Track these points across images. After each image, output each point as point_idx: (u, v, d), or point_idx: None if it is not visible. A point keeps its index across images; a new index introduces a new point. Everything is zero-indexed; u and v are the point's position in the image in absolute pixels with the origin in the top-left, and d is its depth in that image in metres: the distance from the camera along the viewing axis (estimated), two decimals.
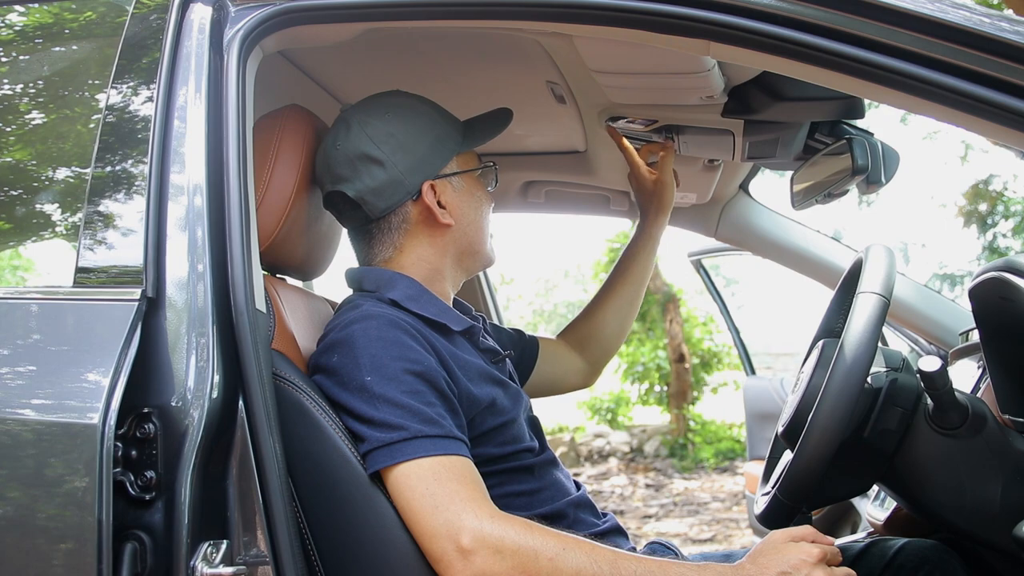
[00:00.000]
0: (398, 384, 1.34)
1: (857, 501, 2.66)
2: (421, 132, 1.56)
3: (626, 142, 2.02)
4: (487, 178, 1.67)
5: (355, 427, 1.33)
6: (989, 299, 1.44)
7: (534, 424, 1.62)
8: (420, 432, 1.31)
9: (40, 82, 1.39)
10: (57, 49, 1.43)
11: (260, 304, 1.24)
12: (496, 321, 3.04)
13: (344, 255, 1.75)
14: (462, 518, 1.25)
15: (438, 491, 1.27)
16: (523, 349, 1.93)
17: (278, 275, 1.59)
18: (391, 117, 1.55)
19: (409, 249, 1.57)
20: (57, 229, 1.30)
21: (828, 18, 1.16)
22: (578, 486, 1.63)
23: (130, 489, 1.07)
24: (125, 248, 1.21)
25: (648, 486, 9.03)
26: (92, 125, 1.30)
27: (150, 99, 1.28)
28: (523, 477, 1.51)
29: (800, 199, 2.02)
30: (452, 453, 1.32)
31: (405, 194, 1.54)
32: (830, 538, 1.33)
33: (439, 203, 1.55)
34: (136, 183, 1.24)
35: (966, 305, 1.69)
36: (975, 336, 2.03)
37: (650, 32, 1.27)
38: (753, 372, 4.67)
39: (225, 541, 1.11)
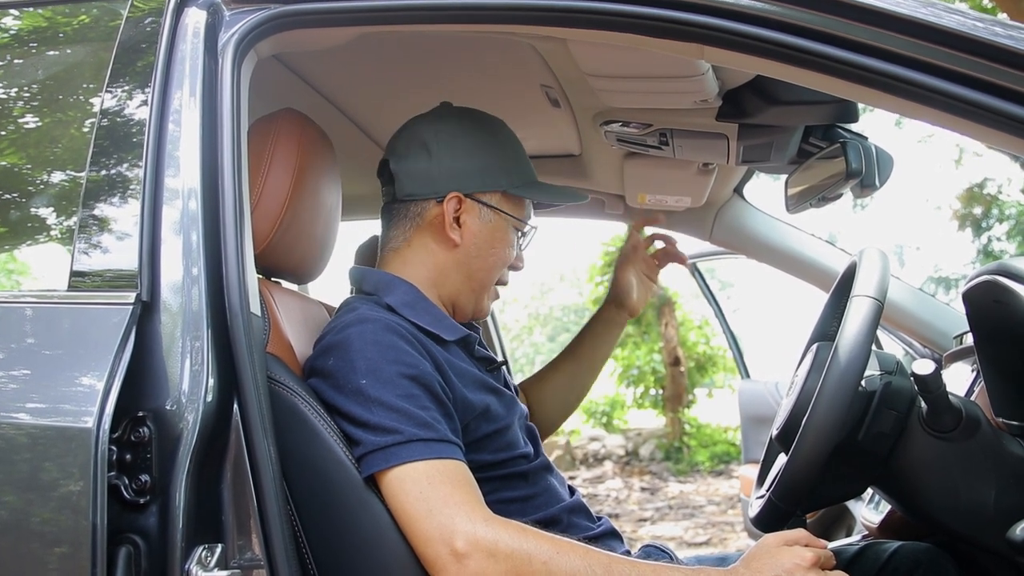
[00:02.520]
0: (393, 388, 1.34)
1: (851, 504, 2.67)
2: (481, 151, 1.58)
3: (636, 236, 2.03)
4: (521, 236, 1.66)
5: (350, 430, 1.33)
6: (983, 302, 1.44)
7: (531, 432, 1.62)
8: (415, 436, 1.31)
9: (34, 86, 1.39)
10: (51, 53, 1.43)
11: (255, 308, 1.24)
12: (492, 324, 3.04)
13: (340, 258, 1.75)
14: (456, 521, 1.25)
15: (432, 495, 1.27)
16: None
17: (273, 279, 1.59)
18: (466, 126, 1.60)
19: (416, 245, 1.59)
20: (52, 233, 1.30)
21: (822, 22, 1.17)
22: (572, 491, 1.63)
23: (125, 493, 1.07)
24: (120, 252, 1.20)
25: (643, 489, 9.04)
26: (86, 129, 1.29)
27: (145, 103, 1.28)
28: (517, 483, 1.51)
29: (794, 203, 2.02)
30: (447, 457, 1.32)
31: (432, 191, 1.56)
32: (823, 541, 1.33)
33: (458, 219, 1.56)
34: (131, 187, 1.23)
35: (960, 308, 1.69)
36: (969, 339, 2.03)
37: (644, 36, 1.27)
38: (748, 375, 4.67)
39: (220, 545, 1.10)
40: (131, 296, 1.15)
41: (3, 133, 1.36)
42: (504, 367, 1.68)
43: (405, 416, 1.32)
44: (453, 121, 1.60)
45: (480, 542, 1.23)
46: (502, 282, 1.67)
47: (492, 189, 1.58)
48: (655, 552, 1.60)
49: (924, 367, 1.32)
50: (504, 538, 1.24)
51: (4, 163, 1.34)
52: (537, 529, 1.29)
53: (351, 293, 1.62)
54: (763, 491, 1.64)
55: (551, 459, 1.62)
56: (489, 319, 3.05)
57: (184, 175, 1.23)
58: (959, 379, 1.93)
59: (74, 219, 1.24)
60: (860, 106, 1.77)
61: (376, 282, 1.55)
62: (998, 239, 11.58)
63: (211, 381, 1.12)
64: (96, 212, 1.24)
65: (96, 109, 1.30)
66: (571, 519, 1.54)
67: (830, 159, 1.81)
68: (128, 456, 1.08)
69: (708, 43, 1.24)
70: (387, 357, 1.36)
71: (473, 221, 1.57)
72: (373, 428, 1.31)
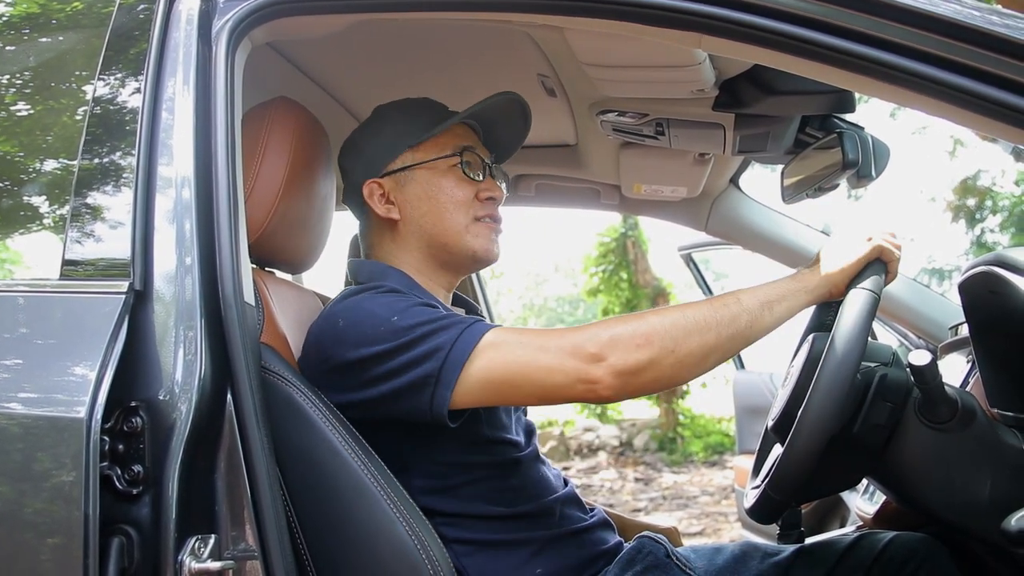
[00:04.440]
0: (422, 311, 1.38)
1: (846, 495, 2.67)
2: (371, 135, 1.62)
3: None
4: (461, 168, 1.59)
5: (403, 363, 1.34)
6: (979, 293, 1.44)
7: (527, 427, 1.63)
8: (471, 319, 1.37)
9: (26, 73, 1.38)
10: (44, 40, 1.42)
11: (249, 297, 1.23)
12: (485, 314, 3.04)
13: (334, 249, 1.75)
14: (571, 336, 1.32)
15: (528, 337, 1.34)
16: None
17: (267, 268, 1.58)
18: (362, 124, 1.66)
19: (377, 240, 1.63)
20: (44, 221, 1.29)
21: (819, 11, 1.16)
22: (566, 482, 1.63)
23: (117, 483, 1.06)
24: (112, 241, 1.20)
25: (637, 480, 9.05)
26: (79, 117, 1.28)
27: (137, 90, 1.27)
28: (509, 472, 1.51)
29: (790, 193, 2.02)
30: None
31: (358, 195, 1.60)
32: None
33: (388, 199, 1.58)
34: (123, 175, 1.23)
35: (955, 299, 1.69)
36: (964, 330, 2.03)
37: (641, 25, 1.26)
38: (742, 366, 4.67)
39: (213, 535, 1.10)
40: (124, 285, 1.14)
41: None
42: None
43: (448, 318, 1.37)
44: (354, 133, 1.66)
45: (601, 336, 1.32)
46: (483, 217, 1.60)
47: (395, 155, 1.59)
48: (649, 543, 1.59)
49: (920, 358, 1.31)
50: (613, 324, 1.34)
51: None
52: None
53: (346, 286, 1.62)
54: (758, 482, 1.64)
55: (544, 449, 1.62)
56: (484, 309, 3.05)
57: (177, 163, 1.22)
58: (955, 370, 1.93)
59: (66, 208, 1.23)
60: (857, 96, 1.77)
61: (371, 272, 1.57)
62: (991, 231, 11.58)
63: (205, 371, 1.12)
64: (89, 200, 1.23)
65: (89, 97, 1.29)
66: (564, 510, 1.55)
67: (826, 149, 1.81)
68: (121, 446, 1.07)
69: (706, 32, 1.23)
70: (400, 303, 1.40)
71: (399, 192, 1.59)
72: (432, 335, 1.34)
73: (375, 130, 1.63)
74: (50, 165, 1.31)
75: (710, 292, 4.72)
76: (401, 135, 1.60)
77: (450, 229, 1.58)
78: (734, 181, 2.52)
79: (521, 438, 1.56)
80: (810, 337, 1.54)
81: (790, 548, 1.62)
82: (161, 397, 1.10)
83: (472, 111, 1.62)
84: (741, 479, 4.12)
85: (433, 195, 1.58)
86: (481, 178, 1.61)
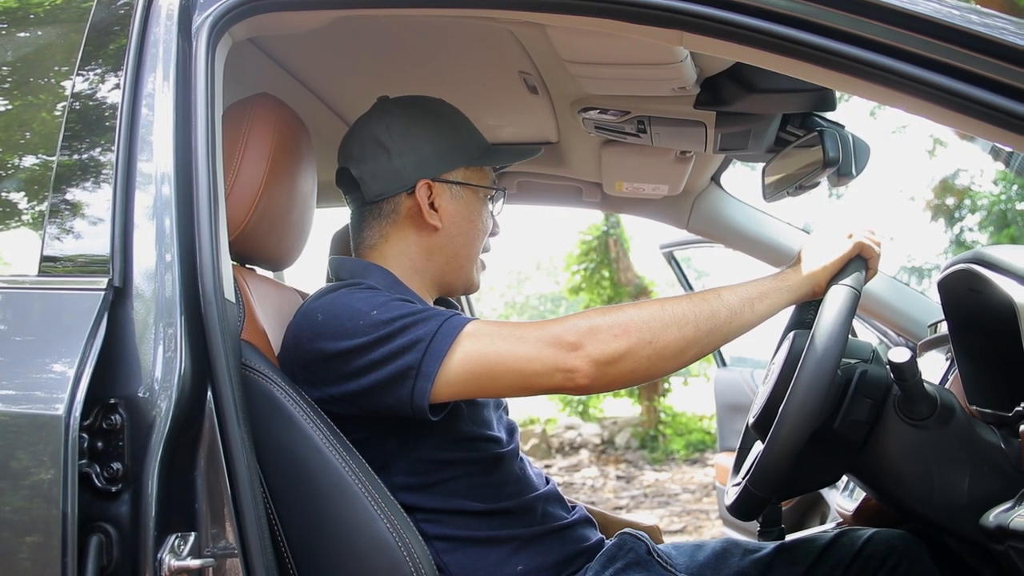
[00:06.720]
0: (400, 306, 1.38)
1: (826, 492, 2.69)
2: (435, 134, 1.59)
3: None
4: (493, 202, 1.68)
5: (384, 355, 1.34)
6: (958, 291, 1.45)
7: (509, 426, 1.63)
8: (450, 313, 1.37)
9: (4, 68, 1.36)
10: (22, 35, 1.40)
11: (229, 294, 1.23)
12: (468, 313, 3.04)
13: (315, 246, 1.74)
14: (548, 327, 1.33)
15: (510, 329, 1.34)
16: None
17: (248, 265, 1.58)
18: (414, 113, 1.60)
19: (394, 240, 1.59)
20: (22, 217, 1.28)
21: (800, 9, 1.17)
22: (547, 480, 1.63)
23: (96, 481, 1.05)
24: (92, 237, 1.19)
25: (619, 477, 9.06)
26: (58, 112, 1.27)
27: (117, 86, 1.26)
28: (490, 469, 1.51)
29: (771, 191, 2.03)
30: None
31: (401, 185, 1.57)
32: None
33: (432, 204, 1.57)
34: (103, 171, 1.22)
35: (934, 297, 1.70)
36: (943, 328, 2.04)
37: (623, 22, 1.26)
38: (724, 364, 4.69)
39: (193, 533, 1.09)
40: (103, 282, 1.14)
41: None
42: None
43: (428, 310, 1.38)
44: (399, 113, 1.60)
45: (580, 326, 1.32)
46: (485, 249, 1.69)
47: (455, 166, 1.60)
48: (630, 540, 1.60)
49: (900, 355, 1.32)
50: (592, 315, 1.34)
51: None
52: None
53: (327, 283, 1.61)
54: (739, 479, 1.64)
55: (526, 447, 1.63)
56: (466, 308, 3.05)
57: (157, 160, 1.22)
58: (934, 367, 1.94)
59: (45, 204, 1.22)
60: (837, 94, 1.77)
61: (353, 268, 1.57)
62: (970, 229, 11.66)
63: (184, 368, 1.11)
64: (68, 197, 1.22)
65: (68, 92, 1.28)
66: (545, 508, 1.55)
67: (807, 147, 1.81)
68: (100, 444, 1.07)
69: (688, 29, 1.23)
70: (379, 298, 1.40)
71: (447, 202, 1.59)
72: (412, 327, 1.34)
73: (433, 125, 1.61)
74: (29, 161, 1.30)
75: (691, 290, 4.73)
76: (463, 148, 1.61)
77: (470, 256, 1.64)
78: (715, 179, 2.53)
79: (503, 435, 1.56)
80: (791, 334, 1.54)
81: (771, 545, 1.63)
82: (140, 394, 1.09)
83: (514, 158, 1.75)
84: (722, 476, 4.14)
85: (472, 219, 1.62)
86: (496, 213, 1.70)
